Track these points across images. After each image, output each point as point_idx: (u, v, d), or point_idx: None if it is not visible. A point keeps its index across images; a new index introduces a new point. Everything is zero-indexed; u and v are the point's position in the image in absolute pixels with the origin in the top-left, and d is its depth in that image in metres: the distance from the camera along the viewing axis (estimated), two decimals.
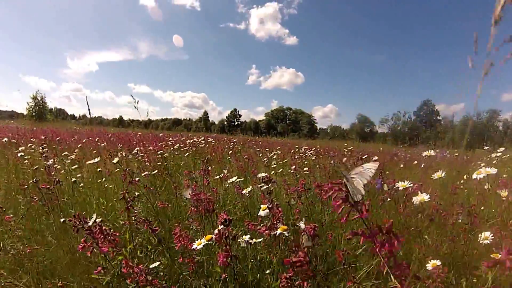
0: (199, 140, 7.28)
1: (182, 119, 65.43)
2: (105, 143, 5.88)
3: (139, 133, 8.30)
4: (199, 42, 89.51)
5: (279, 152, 6.35)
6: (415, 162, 4.69)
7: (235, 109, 61.16)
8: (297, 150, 7.08)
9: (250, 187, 2.01)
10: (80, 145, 5.28)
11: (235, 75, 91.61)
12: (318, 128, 59.35)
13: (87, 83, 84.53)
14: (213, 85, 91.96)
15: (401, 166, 4.78)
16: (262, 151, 6.55)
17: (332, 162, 4.81)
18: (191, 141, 7.07)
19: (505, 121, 41.16)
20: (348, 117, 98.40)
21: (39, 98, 33.51)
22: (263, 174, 1.51)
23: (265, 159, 5.11)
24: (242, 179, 2.73)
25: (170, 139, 7.24)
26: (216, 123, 61.06)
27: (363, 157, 4.09)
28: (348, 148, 8.07)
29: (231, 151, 5.80)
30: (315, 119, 60.58)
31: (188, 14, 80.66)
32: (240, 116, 61.11)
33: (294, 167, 3.64)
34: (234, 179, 2.19)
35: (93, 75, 78.18)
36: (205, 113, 62.62)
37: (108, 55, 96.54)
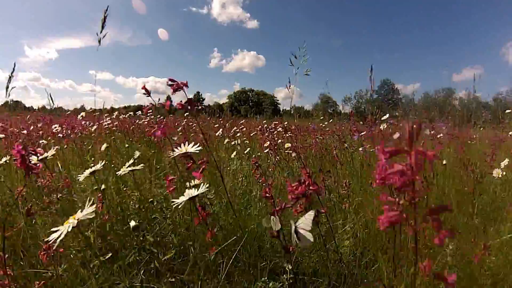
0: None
1: (146, 105, 62.42)
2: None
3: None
4: (162, 26, 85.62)
5: (243, 128, 5.34)
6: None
7: (198, 92, 59.28)
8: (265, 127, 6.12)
9: None
10: None
11: (198, 59, 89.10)
12: (281, 109, 59.00)
13: (45, 72, 78.30)
14: (176, 69, 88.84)
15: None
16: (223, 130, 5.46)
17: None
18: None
19: (460, 99, 42.95)
20: (311, 98, 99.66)
21: None
22: None
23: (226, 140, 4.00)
24: None
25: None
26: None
27: None
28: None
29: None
30: (278, 100, 60.09)
31: None
32: (204, 99, 59.30)
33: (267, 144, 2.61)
34: None
35: (53, 63, 72.44)
36: (168, 97, 59.94)
37: (68, 42, 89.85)
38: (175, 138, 2.48)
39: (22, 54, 74.05)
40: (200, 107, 1.19)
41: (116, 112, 7.02)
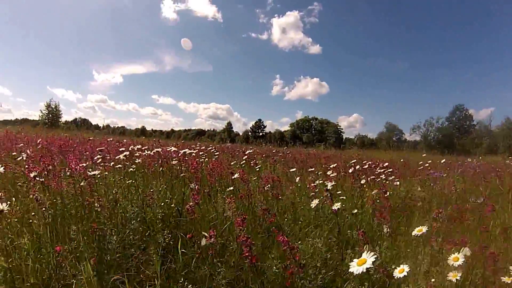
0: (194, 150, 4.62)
1: (206, 130, 63.96)
2: None
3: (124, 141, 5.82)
4: (222, 53, 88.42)
5: (330, 171, 3.68)
6: None
7: (259, 120, 59.34)
8: (353, 166, 4.39)
9: None
10: None
11: (259, 86, 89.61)
12: (344, 138, 56.34)
13: (111, 95, 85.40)
14: (237, 96, 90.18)
15: None
16: (299, 171, 3.83)
17: None
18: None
19: None
20: (374, 126, 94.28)
21: (53, 106, 32.41)
22: None
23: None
24: None
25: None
26: (241, 134, 59.03)
27: None
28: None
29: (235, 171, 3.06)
30: (342, 129, 57.63)
31: (211, 26, 79.71)
32: (265, 126, 59.25)
33: None
34: None
35: (118, 87, 78.70)
36: (229, 124, 60.60)
37: (132, 68, 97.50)
38: None
39: (91, 78, 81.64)
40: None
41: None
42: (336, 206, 2.42)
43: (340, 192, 3.41)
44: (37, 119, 32.39)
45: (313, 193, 2.96)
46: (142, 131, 55.79)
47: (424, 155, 8.47)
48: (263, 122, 59.14)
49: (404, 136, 51.40)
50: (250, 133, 57.27)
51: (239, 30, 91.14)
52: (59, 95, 64.52)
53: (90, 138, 6.34)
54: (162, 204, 2.32)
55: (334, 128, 56.50)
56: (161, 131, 62.48)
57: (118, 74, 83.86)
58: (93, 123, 56.45)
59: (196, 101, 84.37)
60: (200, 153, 4.98)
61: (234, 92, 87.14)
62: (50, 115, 32.09)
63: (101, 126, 59.05)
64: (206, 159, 4.35)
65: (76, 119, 56.64)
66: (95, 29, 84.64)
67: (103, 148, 3.41)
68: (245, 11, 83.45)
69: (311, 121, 58.77)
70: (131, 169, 2.74)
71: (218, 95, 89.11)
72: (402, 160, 8.27)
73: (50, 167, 2.40)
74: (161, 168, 2.88)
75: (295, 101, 79.61)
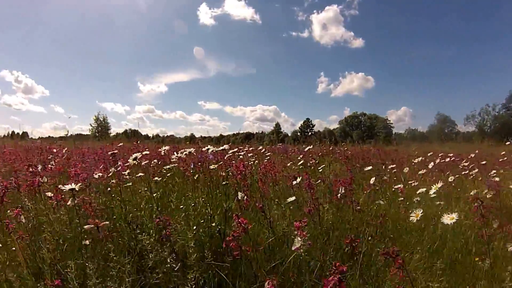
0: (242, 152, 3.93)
1: (255, 132, 63.56)
2: None
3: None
4: (264, 54, 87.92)
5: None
6: None
7: (308, 119, 57.54)
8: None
9: None
10: None
11: (304, 85, 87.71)
12: (393, 132, 53.25)
13: (158, 104, 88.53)
14: (283, 96, 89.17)
15: None
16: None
17: None
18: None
19: None
20: (423, 119, 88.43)
21: (101, 119, 33.70)
22: None
23: None
24: None
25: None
26: (289, 134, 57.53)
27: None
28: None
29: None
30: (392, 123, 54.57)
31: (250, 28, 79.59)
32: (314, 125, 57.31)
33: None
34: None
35: (163, 96, 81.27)
36: (277, 125, 58.95)
37: (175, 76, 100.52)
38: None
39: (137, 90, 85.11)
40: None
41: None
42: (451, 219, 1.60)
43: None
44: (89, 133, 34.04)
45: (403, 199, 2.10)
46: (191, 138, 56.95)
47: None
48: (311, 121, 57.28)
49: (456, 127, 47.02)
50: (299, 133, 55.91)
51: (279, 30, 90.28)
52: (108, 108, 67.84)
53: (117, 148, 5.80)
54: (196, 226, 1.61)
55: (383, 123, 53.56)
56: (210, 137, 63.48)
57: (163, 84, 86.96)
58: (143, 133, 58.78)
59: (242, 104, 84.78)
60: (249, 154, 4.30)
61: (280, 93, 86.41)
62: (100, 128, 33.38)
63: (151, 136, 61.21)
64: (256, 161, 3.62)
65: (126, 130, 59.01)
66: (136, 42, 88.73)
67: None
68: (283, 10, 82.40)
69: (360, 117, 56.23)
70: (158, 178, 2.08)
71: (264, 96, 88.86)
72: (477, 152, 6.98)
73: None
74: (196, 175, 2.19)
75: (341, 97, 77.03)
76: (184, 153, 2.22)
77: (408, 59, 77.34)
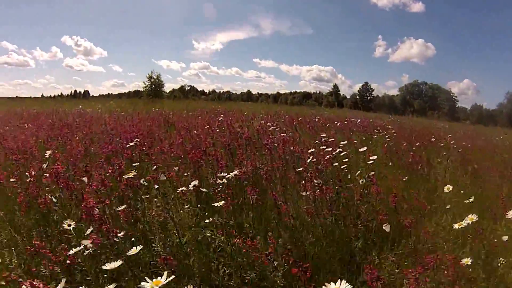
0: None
1: (312, 92, 61.81)
2: None
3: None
4: (321, 14, 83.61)
5: None
6: None
7: (367, 83, 54.16)
8: None
9: None
10: None
11: (361, 48, 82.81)
12: (457, 106, 49.47)
13: (213, 61, 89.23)
14: (339, 58, 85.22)
15: None
16: None
17: None
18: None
19: None
20: (490, 95, 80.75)
21: (155, 77, 33.68)
22: None
23: None
24: None
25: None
26: (348, 97, 55.52)
27: None
28: None
29: None
30: (456, 96, 50.69)
31: None
32: (373, 90, 54.36)
33: None
34: None
35: (219, 53, 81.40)
36: (335, 87, 56.50)
37: (231, 34, 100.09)
38: None
39: (191, 47, 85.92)
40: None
41: None
42: None
43: None
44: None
45: None
46: (248, 95, 55.96)
47: None
48: (370, 85, 54.38)
49: None
50: (358, 97, 53.97)
51: None
52: (164, 66, 70.18)
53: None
54: None
55: (446, 95, 49.89)
56: (267, 94, 62.03)
57: (218, 42, 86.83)
58: (199, 89, 59.29)
59: (298, 64, 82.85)
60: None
61: (336, 54, 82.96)
62: (153, 86, 33.52)
63: (207, 91, 61.54)
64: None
65: (182, 86, 58.94)
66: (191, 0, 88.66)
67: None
68: None
69: (421, 86, 52.56)
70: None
71: (320, 57, 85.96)
72: None
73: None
74: None
75: (399, 63, 72.24)
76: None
77: (474, 26, 68.56)
